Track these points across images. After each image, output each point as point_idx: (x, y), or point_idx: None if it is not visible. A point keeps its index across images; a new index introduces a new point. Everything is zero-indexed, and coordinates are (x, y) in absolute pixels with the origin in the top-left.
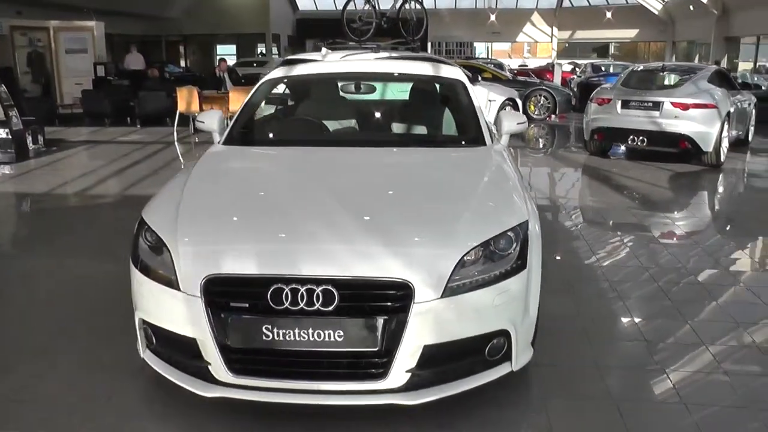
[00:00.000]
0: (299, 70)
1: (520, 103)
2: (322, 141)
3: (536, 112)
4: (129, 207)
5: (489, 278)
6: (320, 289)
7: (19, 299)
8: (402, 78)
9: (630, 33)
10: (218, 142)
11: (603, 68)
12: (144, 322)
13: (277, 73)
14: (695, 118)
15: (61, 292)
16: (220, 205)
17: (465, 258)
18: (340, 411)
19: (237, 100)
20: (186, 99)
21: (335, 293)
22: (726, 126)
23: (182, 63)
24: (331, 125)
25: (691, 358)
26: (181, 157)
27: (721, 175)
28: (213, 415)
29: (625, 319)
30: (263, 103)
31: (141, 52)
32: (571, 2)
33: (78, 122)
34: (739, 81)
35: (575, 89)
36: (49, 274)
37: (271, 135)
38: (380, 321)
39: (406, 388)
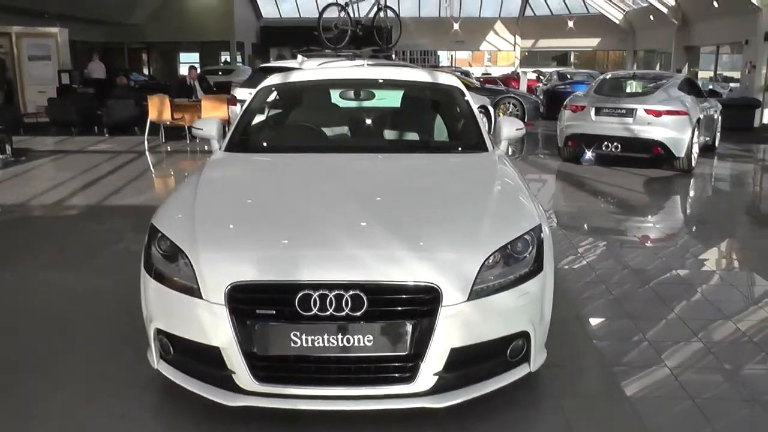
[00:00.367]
0: (296, 77)
1: (492, 110)
2: (327, 148)
3: None
4: (107, 218)
5: (510, 281)
6: (349, 294)
7: (8, 315)
8: (402, 85)
9: (591, 42)
10: (219, 149)
11: (569, 76)
12: (159, 332)
13: (274, 80)
14: (668, 124)
15: (50, 307)
16: (237, 212)
17: (486, 262)
18: (363, 416)
19: (210, 109)
20: (157, 107)
21: (364, 298)
22: (696, 132)
23: (145, 71)
24: (334, 132)
25: (692, 354)
26: (152, 168)
27: (693, 180)
28: (232, 425)
29: (622, 320)
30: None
31: (103, 60)
32: (533, 11)
33: (44, 131)
34: (707, 89)
35: (541, 97)
36: (36, 289)
37: (273, 142)
38: (409, 325)
39: (434, 391)
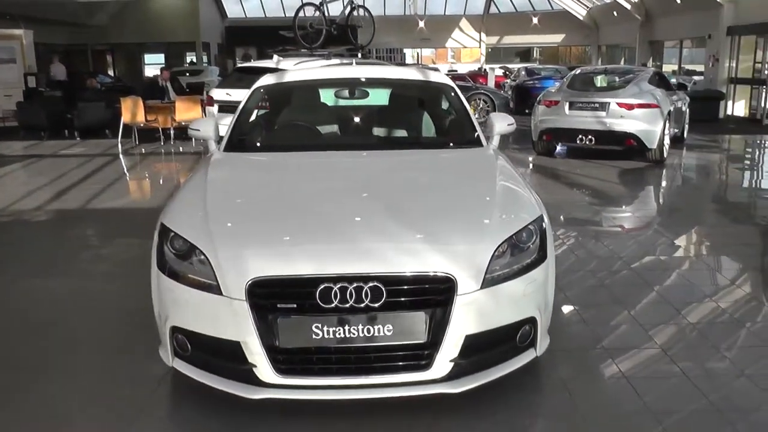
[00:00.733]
0: (291, 76)
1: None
2: (327, 146)
3: (476, 116)
4: (91, 221)
5: (518, 269)
6: (368, 286)
7: (6, 321)
8: (396, 84)
9: (556, 38)
10: (217, 149)
11: (537, 72)
12: (175, 329)
13: (269, 79)
14: (640, 117)
15: (46, 311)
16: (250, 210)
17: (496, 252)
18: (381, 403)
19: (184, 110)
20: (131, 110)
21: (383, 289)
22: (667, 124)
23: (110, 72)
24: (332, 130)
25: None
26: (129, 170)
27: (665, 170)
28: (252, 419)
29: (609, 303)
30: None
31: (66, 62)
32: (498, 8)
33: (12, 136)
34: (675, 82)
35: (510, 93)
36: (29, 294)
37: (271, 141)
38: (426, 314)
39: (450, 377)
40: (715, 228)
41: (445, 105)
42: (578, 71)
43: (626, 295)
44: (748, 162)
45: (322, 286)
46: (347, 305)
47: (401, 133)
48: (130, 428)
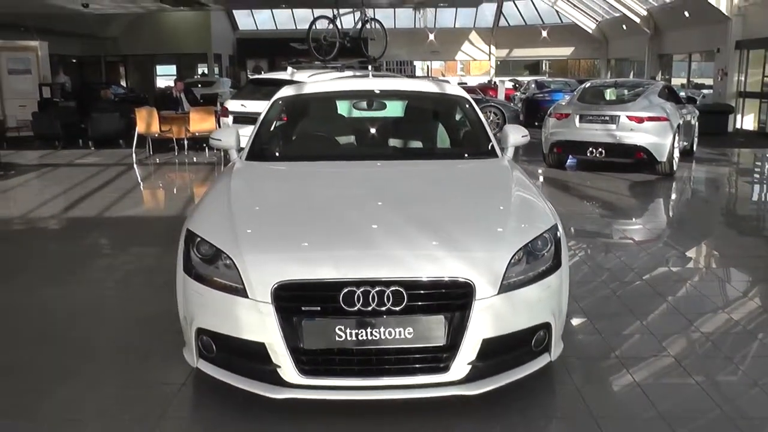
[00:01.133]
0: (309, 89)
1: None
2: (345, 156)
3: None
4: (106, 230)
5: (533, 276)
6: (390, 290)
7: (28, 327)
8: (413, 96)
9: (565, 51)
10: (239, 159)
11: (547, 85)
12: (200, 331)
13: (288, 91)
14: (650, 130)
15: (63, 318)
16: (273, 216)
17: (513, 259)
18: (398, 404)
19: (198, 121)
20: (145, 120)
21: (404, 293)
22: (677, 137)
23: (122, 83)
24: (350, 141)
25: (684, 337)
26: (144, 180)
27: (674, 183)
28: (276, 419)
29: (622, 312)
30: None
31: (79, 73)
32: (507, 21)
33: (27, 145)
34: (684, 95)
35: (520, 105)
36: (45, 301)
37: (291, 151)
38: (445, 318)
39: (467, 379)
40: (726, 240)
41: (460, 117)
42: (588, 84)
43: (638, 305)
44: (757, 175)
45: (345, 290)
46: (369, 308)
47: (417, 144)
48: (156, 428)
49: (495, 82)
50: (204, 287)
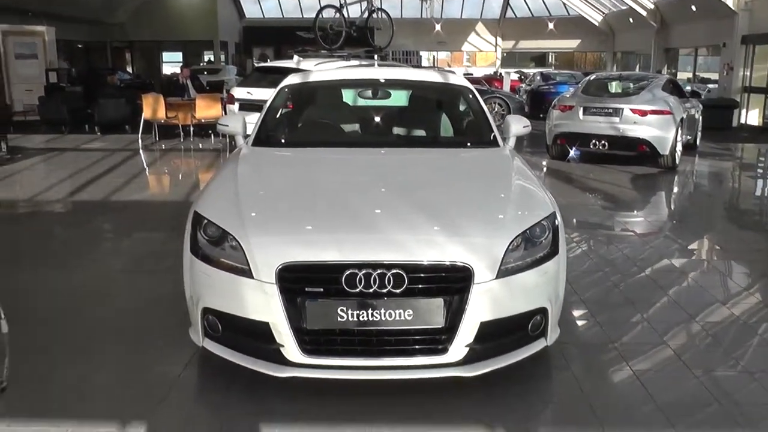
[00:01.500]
0: (315, 77)
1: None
2: (349, 143)
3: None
4: (112, 214)
5: (531, 261)
6: (391, 273)
7: (35, 308)
8: (417, 86)
9: (572, 43)
10: (245, 144)
11: (552, 77)
12: (206, 311)
13: (294, 79)
14: (653, 123)
15: (70, 300)
16: (279, 200)
17: (511, 245)
18: (395, 384)
19: (204, 107)
20: (152, 106)
21: (405, 276)
22: (679, 131)
23: (128, 69)
24: (354, 128)
25: (685, 330)
26: (150, 165)
27: (676, 176)
28: (278, 395)
29: (622, 303)
30: None
31: (86, 59)
32: (514, 13)
33: (34, 130)
34: (687, 89)
35: (525, 97)
36: (52, 283)
37: (296, 138)
38: (444, 301)
39: (465, 361)
40: (727, 234)
41: (463, 106)
42: (593, 77)
43: (639, 297)
44: (760, 170)
45: (347, 272)
46: (371, 290)
47: (420, 132)
48: (160, 405)
49: (500, 74)
50: (210, 268)
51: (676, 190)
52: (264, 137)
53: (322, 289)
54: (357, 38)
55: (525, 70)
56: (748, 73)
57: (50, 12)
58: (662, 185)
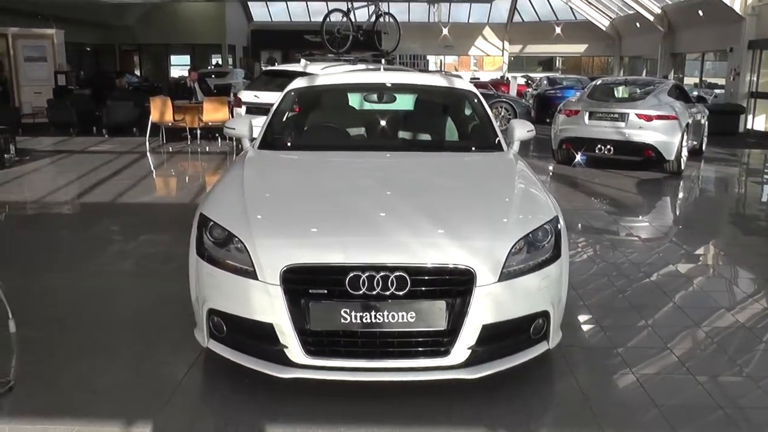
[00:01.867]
0: (321, 80)
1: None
2: (355, 146)
3: (498, 123)
4: (120, 216)
5: (533, 265)
6: (394, 275)
7: (44, 308)
8: (422, 90)
9: (579, 48)
10: (252, 147)
11: (559, 81)
12: (212, 312)
13: (300, 83)
14: (658, 128)
15: (78, 300)
16: (284, 202)
17: (513, 248)
18: (398, 386)
19: (211, 110)
20: (160, 109)
21: (408, 279)
22: (685, 136)
23: (137, 72)
24: (360, 132)
25: (689, 336)
26: (158, 168)
27: (682, 182)
28: (282, 396)
29: (626, 308)
30: None
31: (95, 61)
32: (521, 17)
33: (42, 132)
34: (694, 95)
35: (532, 101)
36: (59, 283)
37: (302, 141)
38: (447, 303)
39: (467, 364)
40: (733, 240)
41: (468, 111)
42: (599, 82)
43: (643, 303)
44: (766, 176)
45: (351, 274)
46: (374, 292)
47: (425, 136)
48: (165, 406)
49: (507, 78)
50: (216, 269)
51: (681, 195)
52: (270, 140)
53: (325, 291)
54: (364, 42)
55: (532, 75)
56: (755, 79)
57: (59, 15)
58: (667, 190)
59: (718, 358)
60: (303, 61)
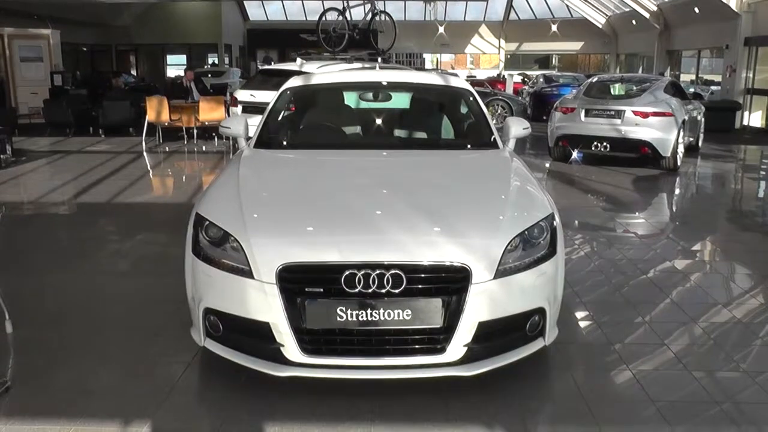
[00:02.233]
0: (317, 79)
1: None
2: (351, 145)
3: (494, 121)
4: (116, 216)
5: (529, 262)
6: (390, 273)
7: (40, 307)
8: (418, 88)
9: (575, 45)
10: (247, 146)
11: (555, 79)
12: (208, 311)
13: (296, 81)
14: (655, 125)
15: (75, 299)
16: (279, 201)
17: (509, 246)
18: (395, 384)
19: (208, 110)
20: (156, 109)
21: (403, 277)
22: (681, 133)
23: (133, 72)
24: (356, 130)
25: (686, 332)
26: (154, 167)
27: (678, 178)
28: (278, 395)
29: (622, 305)
30: None
31: (91, 62)
32: (517, 15)
33: (39, 132)
34: (690, 91)
35: (528, 99)
36: (57, 283)
37: (297, 140)
38: (443, 301)
39: (463, 361)
40: (729, 236)
41: (463, 109)
42: (595, 79)
43: (640, 299)
44: (762, 172)
45: (347, 273)
46: (370, 290)
47: (421, 134)
48: (164, 403)
49: (503, 76)
50: (212, 268)
51: (677, 192)
52: (266, 139)
53: (321, 290)
54: (360, 41)
55: (528, 73)
56: (751, 75)
57: (55, 15)
58: (664, 187)
59: (715, 354)
60: (299, 60)
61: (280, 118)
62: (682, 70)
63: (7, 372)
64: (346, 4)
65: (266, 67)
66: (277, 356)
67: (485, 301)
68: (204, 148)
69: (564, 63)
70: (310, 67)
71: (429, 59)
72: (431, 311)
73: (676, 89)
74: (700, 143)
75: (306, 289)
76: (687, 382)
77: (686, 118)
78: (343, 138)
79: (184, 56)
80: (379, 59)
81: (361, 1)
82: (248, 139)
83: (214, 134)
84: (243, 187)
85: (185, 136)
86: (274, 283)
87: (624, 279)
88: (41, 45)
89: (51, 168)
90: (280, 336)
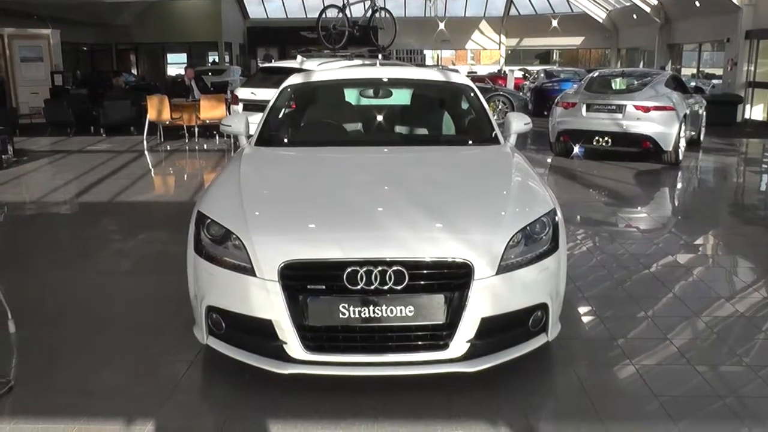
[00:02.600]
0: (317, 76)
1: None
2: (352, 142)
3: (495, 116)
4: (119, 215)
5: (531, 257)
6: (392, 270)
7: (42, 306)
8: (419, 84)
9: (575, 40)
10: (248, 144)
11: (556, 74)
12: (211, 309)
13: (297, 79)
14: (656, 119)
15: (77, 298)
16: (281, 199)
17: (511, 241)
18: (399, 380)
19: (208, 108)
20: (157, 107)
21: (405, 273)
22: (683, 127)
23: (133, 71)
24: (357, 127)
25: (689, 326)
26: (156, 166)
27: (680, 172)
28: (281, 392)
29: (625, 299)
30: None
31: (92, 61)
32: (517, 10)
33: (40, 132)
34: (693, 85)
35: (529, 95)
36: (59, 282)
37: (298, 137)
38: (445, 297)
39: (465, 357)
40: (732, 230)
41: (464, 105)
42: (596, 74)
43: (642, 294)
44: (765, 165)
45: (349, 270)
46: (372, 287)
47: (422, 131)
48: (168, 401)
49: (504, 72)
50: (214, 266)
51: (679, 186)
52: (267, 137)
53: (324, 287)
54: (360, 38)
55: (529, 68)
56: (753, 68)
57: (55, 15)
58: (666, 181)
59: (718, 348)
60: (299, 57)
61: (280, 115)
62: (683, 64)
63: (10, 371)
64: (346, 1)
65: (266, 64)
66: (279, 354)
67: (488, 297)
68: (205, 146)
69: (565, 58)
70: (310, 64)
71: (429, 55)
72: (434, 307)
73: (677, 83)
74: (701, 137)
75: (308, 287)
76: (690, 377)
77: (687, 112)
78: (344, 135)
79: (185, 55)
80: (380, 56)
81: None
82: (249, 136)
83: (215, 132)
84: (244, 185)
85: (186, 134)
86: (276, 280)
87: (626, 274)
88: (41, 45)
89: (52, 168)
90: (283, 333)
